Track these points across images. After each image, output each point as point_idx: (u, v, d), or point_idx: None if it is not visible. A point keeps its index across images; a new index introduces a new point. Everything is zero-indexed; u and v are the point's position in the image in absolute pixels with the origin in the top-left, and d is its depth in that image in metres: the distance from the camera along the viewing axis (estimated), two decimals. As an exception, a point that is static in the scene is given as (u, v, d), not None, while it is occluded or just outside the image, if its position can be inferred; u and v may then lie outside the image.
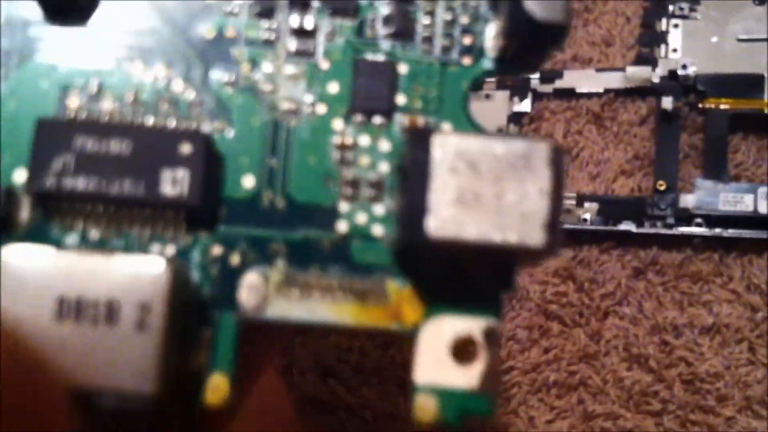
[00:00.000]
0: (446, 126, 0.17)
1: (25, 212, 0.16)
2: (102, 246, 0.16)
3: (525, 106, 0.43)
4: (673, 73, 0.42)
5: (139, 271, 0.15)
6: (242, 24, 0.17)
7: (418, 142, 0.15)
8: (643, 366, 0.40)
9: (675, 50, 0.42)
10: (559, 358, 0.41)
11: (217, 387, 0.16)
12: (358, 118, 0.17)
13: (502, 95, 0.43)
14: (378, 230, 0.17)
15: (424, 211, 0.15)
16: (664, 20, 0.43)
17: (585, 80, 0.43)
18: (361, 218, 0.17)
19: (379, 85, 0.17)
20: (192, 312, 0.16)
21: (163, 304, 0.15)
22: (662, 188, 0.41)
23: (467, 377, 0.16)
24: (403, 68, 0.17)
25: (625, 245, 0.42)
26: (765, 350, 0.40)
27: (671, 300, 0.41)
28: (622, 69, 0.43)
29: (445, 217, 0.15)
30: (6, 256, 0.15)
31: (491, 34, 0.17)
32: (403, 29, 0.17)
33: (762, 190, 0.40)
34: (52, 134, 0.16)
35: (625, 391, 0.40)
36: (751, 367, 0.40)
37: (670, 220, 0.41)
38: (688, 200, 0.41)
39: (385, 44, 0.17)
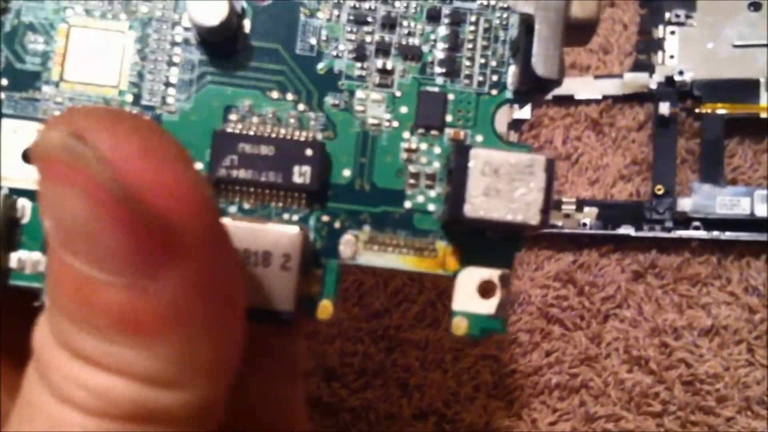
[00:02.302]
0: (479, 137, 0.25)
1: None
2: (252, 214, 0.24)
3: (525, 113, 0.43)
4: (669, 79, 0.43)
5: (284, 233, 0.23)
6: (344, 65, 0.24)
7: (461, 153, 0.22)
8: (644, 368, 0.41)
9: (672, 57, 0.43)
10: (560, 360, 0.41)
11: (325, 307, 0.24)
12: (420, 131, 0.24)
13: (502, 110, 0.44)
14: (431, 207, 0.24)
15: (463, 200, 0.22)
16: (660, 27, 0.43)
17: (583, 87, 0.44)
18: (420, 199, 0.24)
19: (434, 108, 0.24)
20: (310, 258, 0.24)
21: (298, 254, 0.22)
22: (660, 192, 0.42)
23: (488, 306, 0.24)
24: (451, 96, 0.24)
25: (624, 249, 0.42)
26: (763, 351, 0.40)
27: (670, 302, 0.41)
28: (620, 76, 0.44)
29: (476, 204, 0.22)
30: None
31: (511, 74, 0.25)
32: (452, 69, 0.24)
33: (758, 193, 0.40)
34: (224, 141, 0.23)
35: (626, 393, 0.40)
36: (750, 368, 0.40)
37: (669, 224, 0.42)
38: (685, 204, 0.41)
39: (439, 80, 0.24)
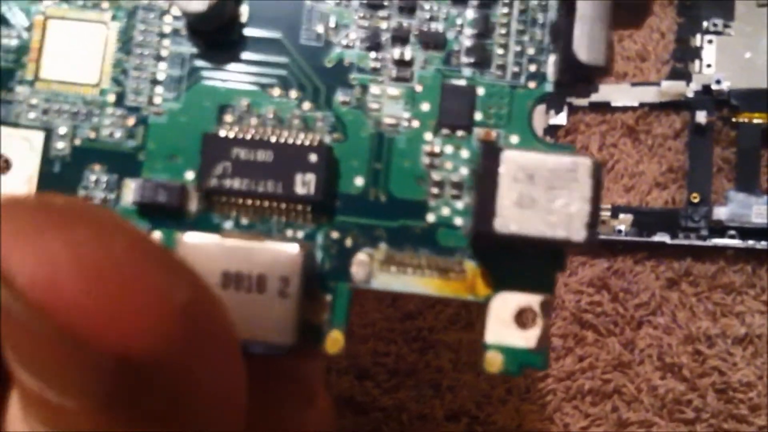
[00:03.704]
0: (514, 138, 0.21)
1: (194, 204, 0.21)
2: (250, 230, 0.21)
3: (561, 119, 0.44)
4: (706, 88, 0.43)
5: (281, 253, 0.19)
6: (356, 56, 0.21)
7: (489, 156, 0.19)
8: (677, 375, 0.41)
9: (709, 65, 0.43)
10: (593, 366, 0.41)
11: (335, 340, 0.21)
12: (444, 131, 0.21)
13: (539, 108, 0.44)
14: (459, 221, 0.21)
15: (492, 212, 0.19)
16: (698, 36, 0.43)
17: (620, 94, 0.44)
18: (446, 211, 0.21)
19: (461, 104, 0.21)
20: (316, 281, 0.21)
21: (298, 278, 0.19)
22: (696, 200, 0.42)
23: (527, 339, 0.20)
24: (480, 90, 0.21)
25: (659, 256, 0.42)
26: (798, 361, 0.40)
27: (704, 310, 0.41)
28: (657, 83, 0.44)
29: (508, 217, 0.19)
30: (187, 240, 0.20)
31: (551, 63, 0.21)
32: (481, 59, 0.21)
33: (795, 203, 0.40)
34: (215, 146, 0.20)
35: (658, 400, 0.40)
36: (784, 377, 0.40)
37: (704, 232, 0.42)
38: (721, 212, 0.41)
39: (467, 71, 0.21)
